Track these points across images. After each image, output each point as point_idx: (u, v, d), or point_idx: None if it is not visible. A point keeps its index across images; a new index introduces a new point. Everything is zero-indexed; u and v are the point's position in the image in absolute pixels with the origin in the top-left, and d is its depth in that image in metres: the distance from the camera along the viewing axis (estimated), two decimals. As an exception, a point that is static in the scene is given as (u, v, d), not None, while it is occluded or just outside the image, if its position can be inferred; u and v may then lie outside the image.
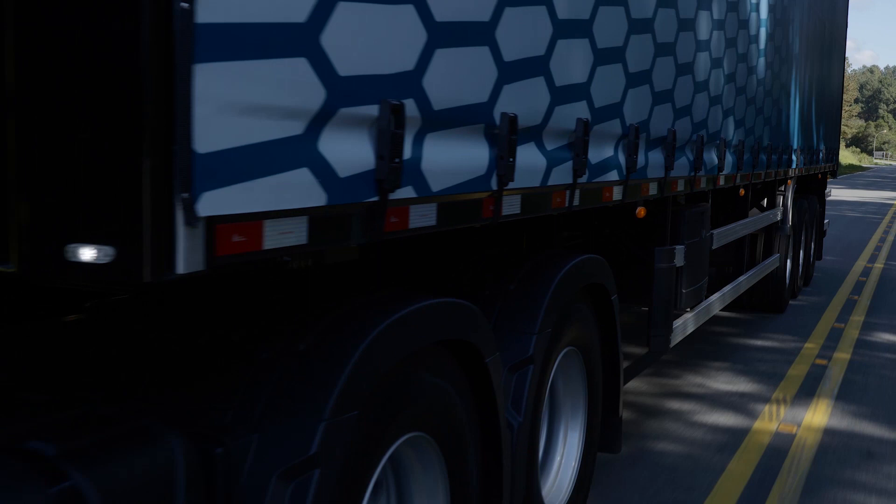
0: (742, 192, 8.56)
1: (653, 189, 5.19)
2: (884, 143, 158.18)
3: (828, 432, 6.43)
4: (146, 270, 1.78)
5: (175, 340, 2.64)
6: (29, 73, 1.77)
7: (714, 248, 7.27)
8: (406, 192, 2.63)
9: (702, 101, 6.04)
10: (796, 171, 10.51)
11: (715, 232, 7.26)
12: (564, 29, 3.65)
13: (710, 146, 6.37)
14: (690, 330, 6.61)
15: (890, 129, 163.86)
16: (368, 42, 2.40)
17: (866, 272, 14.19)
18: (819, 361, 8.42)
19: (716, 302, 7.61)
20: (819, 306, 11.17)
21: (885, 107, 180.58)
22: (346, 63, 2.31)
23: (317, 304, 2.77)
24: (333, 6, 2.24)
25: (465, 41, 2.89)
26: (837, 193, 35.85)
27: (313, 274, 3.27)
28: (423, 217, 2.77)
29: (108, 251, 1.77)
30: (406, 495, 3.11)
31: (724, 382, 7.66)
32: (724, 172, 6.87)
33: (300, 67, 2.14)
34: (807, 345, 9.08)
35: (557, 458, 4.53)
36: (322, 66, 2.21)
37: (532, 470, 3.93)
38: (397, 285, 3.70)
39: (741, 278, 8.70)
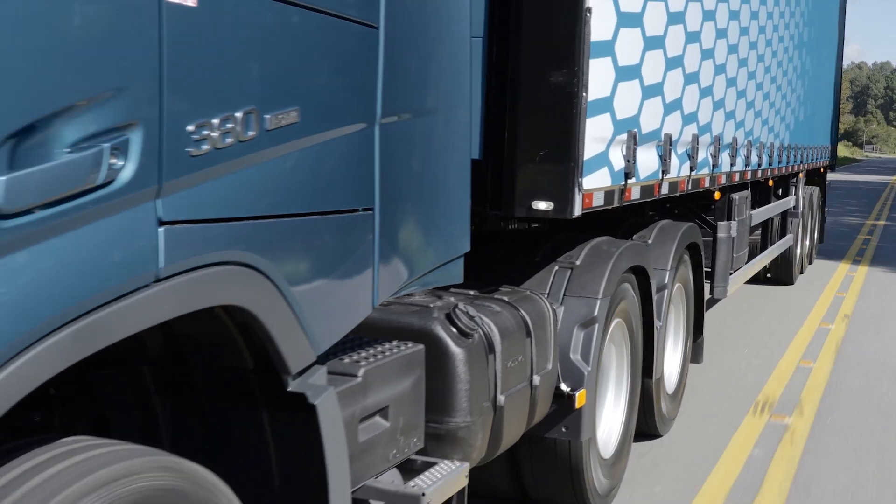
0: (771, 182, 10.78)
1: (724, 179, 7.41)
2: (873, 137, 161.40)
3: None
4: (564, 213, 3.99)
5: (525, 258, 4.85)
6: (524, 128, 3.96)
7: (751, 225, 9.49)
8: (632, 180, 4.83)
9: (751, 116, 8.25)
10: (805, 166, 12.75)
11: (753, 212, 9.48)
12: (689, 79, 5.86)
13: (754, 149, 8.59)
14: (739, 284, 8.84)
15: (878, 123, 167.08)
16: (624, 100, 4.61)
17: (883, 207, 30.67)
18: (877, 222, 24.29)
19: (754, 265, 9.86)
20: (867, 210, 27.85)
21: (874, 102, 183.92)
22: (619, 112, 4.51)
23: (576, 242, 4.97)
24: (616, 86, 4.44)
25: (653, 94, 5.10)
26: (848, 177, 52.73)
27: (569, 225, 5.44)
28: (635, 193, 4.98)
29: (551, 204, 3.97)
30: (606, 359, 5.31)
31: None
32: (762, 167, 9.09)
33: (606, 116, 4.35)
34: (867, 221, 23.73)
35: (667, 361, 6.73)
36: (612, 115, 4.42)
37: (662, 362, 6.14)
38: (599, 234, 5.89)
39: (768, 250, 10.95)
